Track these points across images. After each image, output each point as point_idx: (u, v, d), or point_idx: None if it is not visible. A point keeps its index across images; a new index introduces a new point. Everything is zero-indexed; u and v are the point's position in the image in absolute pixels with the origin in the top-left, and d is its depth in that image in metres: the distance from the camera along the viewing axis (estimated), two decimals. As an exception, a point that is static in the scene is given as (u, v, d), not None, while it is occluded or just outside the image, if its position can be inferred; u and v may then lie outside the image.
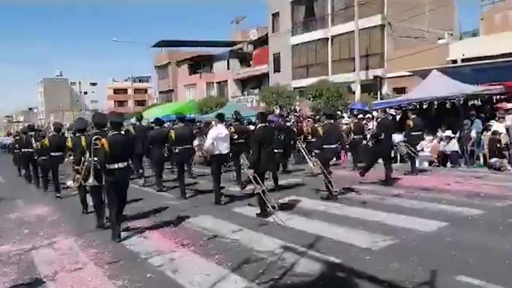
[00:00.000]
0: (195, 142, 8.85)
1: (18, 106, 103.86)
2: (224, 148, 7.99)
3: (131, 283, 4.26)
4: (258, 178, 6.64)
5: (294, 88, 27.34)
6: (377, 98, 20.41)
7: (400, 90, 21.16)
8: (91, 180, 6.07)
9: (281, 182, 9.88)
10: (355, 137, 12.30)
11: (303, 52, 29.03)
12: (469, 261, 4.36)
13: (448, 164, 11.60)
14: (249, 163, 7.10)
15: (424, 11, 24.57)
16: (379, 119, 10.30)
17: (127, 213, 7.49)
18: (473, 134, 11.32)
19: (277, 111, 23.47)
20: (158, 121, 10.72)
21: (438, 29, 25.66)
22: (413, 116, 11.62)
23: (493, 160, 10.72)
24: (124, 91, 79.53)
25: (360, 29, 22.01)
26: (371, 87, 21.62)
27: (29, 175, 12.80)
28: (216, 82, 40.13)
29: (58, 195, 9.83)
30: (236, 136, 9.27)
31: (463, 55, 19.45)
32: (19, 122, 78.72)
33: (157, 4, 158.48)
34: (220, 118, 8.43)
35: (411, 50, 22.26)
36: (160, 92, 48.56)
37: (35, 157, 11.19)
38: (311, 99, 22.09)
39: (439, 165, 11.82)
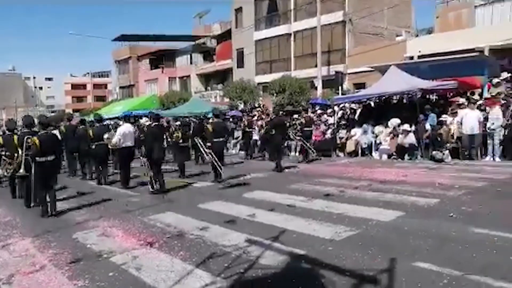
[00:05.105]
0: (105, 136, 10.20)
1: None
2: (129, 142, 9.62)
3: (92, 283, 4.15)
4: (151, 165, 8.81)
5: (258, 83, 27.41)
6: (338, 93, 20.85)
7: (360, 86, 21.75)
8: (21, 171, 7.43)
9: (247, 176, 10.51)
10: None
11: (266, 47, 29.13)
12: (425, 247, 4.56)
13: (406, 157, 12.07)
14: (144, 153, 9.19)
15: (383, 8, 25.30)
16: (272, 117, 12.31)
17: (94, 213, 7.33)
18: (428, 127, 11.83)
19: (241, 106, 23.52)
20: (83, 121, 12.18)
21: (396, 27, 26.52)
22: (306, 115, 14.50)
23: (434, 152, 11.31)
24: (83, 86, 76.96)
25: (322, 25, 22.35)
26: (332, 82, 22.06)
27: None
28: (179, 77, 39.58)
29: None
30: None
31: (419, 51, 20.22)
32: (-32, 119, 74.37)
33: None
34: (126, 118, 10.81)
35: (370, 46, 22.89)
36: (120, 87, 47.37)
37: None
38: (275, 94, 22.25)
39: (397, 157, 12.27)
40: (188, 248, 5.00)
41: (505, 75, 14.77)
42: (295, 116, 15.29)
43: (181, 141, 11.68)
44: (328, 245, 4.85)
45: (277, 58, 28.46)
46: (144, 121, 10.58)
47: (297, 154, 14.42)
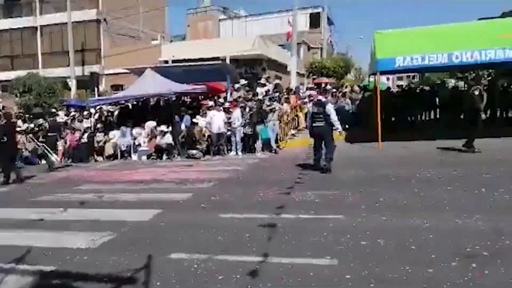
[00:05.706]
0: None
1: None
2: None
3: None
4: None
5: (-4, 81, 23.32)
6: (94, 94, 19.95)
7: (118, 87, 21.46)
8: None
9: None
10: None
11: (6, 40, 25.23)
12: (179, 239, 4.91)
13: (164, 156, 12.65)
14: None
15: (138, 12, 25.65)
16: (2, 122, 10.46)
17: None
18: (183, 127, 12.76)
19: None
20: None
21: (153, 31, 27.35)
22: (50, 119, 14.10)
23: (189, 150, 12.40)
24: None
25: (73, 22, 20.90)
26: (88, 83, 20.94)
27: None
28: None
29: None
30: None
31: (173, 56, 21.53)
32: None
33: None
34: None
35: (127, 48, 22.85)
36: None
37: None
38: (19, 94, 19.49)
39: (156, 157, 12.72)
40: None
41: (243, 81, 17.35)
42: (40, 120, 13.77)
43: None
44: (84, 254, 4.60)
45: (21, 54, 24.99)
46: None
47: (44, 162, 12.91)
